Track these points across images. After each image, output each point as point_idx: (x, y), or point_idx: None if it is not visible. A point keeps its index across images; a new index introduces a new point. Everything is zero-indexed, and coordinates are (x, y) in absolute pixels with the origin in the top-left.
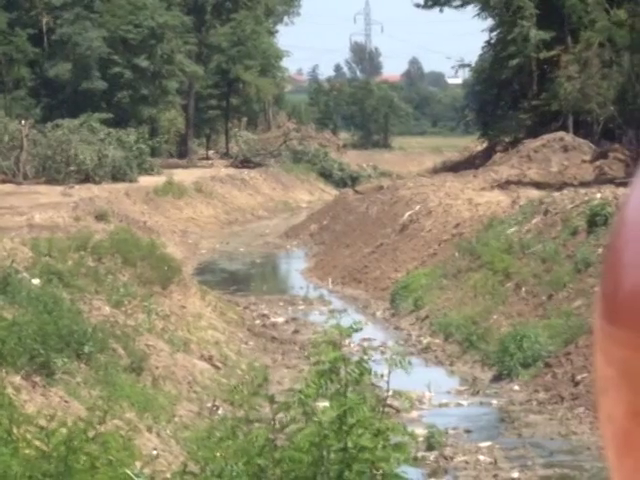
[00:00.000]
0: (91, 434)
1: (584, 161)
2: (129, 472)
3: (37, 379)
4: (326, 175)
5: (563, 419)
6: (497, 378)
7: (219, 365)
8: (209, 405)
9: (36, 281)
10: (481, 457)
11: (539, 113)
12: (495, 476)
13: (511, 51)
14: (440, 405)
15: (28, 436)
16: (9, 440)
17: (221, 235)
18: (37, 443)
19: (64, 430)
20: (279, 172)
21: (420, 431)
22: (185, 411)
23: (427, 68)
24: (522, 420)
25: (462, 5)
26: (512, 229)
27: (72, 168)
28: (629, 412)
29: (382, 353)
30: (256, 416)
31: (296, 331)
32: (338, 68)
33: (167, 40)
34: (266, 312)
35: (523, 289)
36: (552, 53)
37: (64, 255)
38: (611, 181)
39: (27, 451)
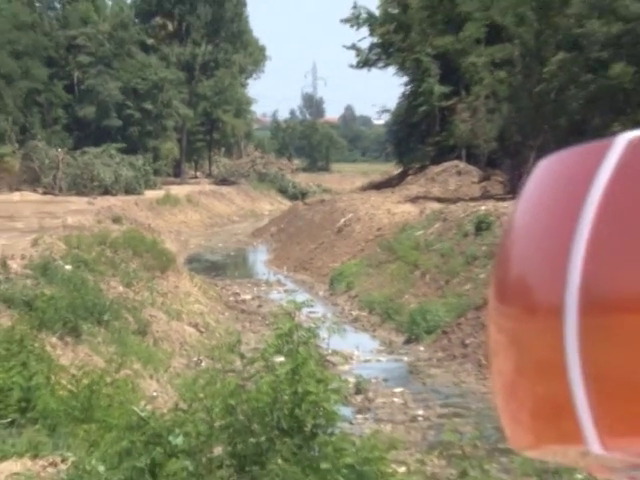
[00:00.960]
0: (108, 380)
1: (473, 182)
2: (135, 409)
3: (68, 339)
4: (283, 191)
5: (455, 372)
6: (407, 341)
7: (203, 330)
8: (195, 359)
9: (68, 267)
10: (395, 399)
11: (440, 147)
12: (405, 413)
13: (420, 101)
14: (365, 361)
15: (62, 381)
16: (48, 384)
17: (205, 234)
18: (68, 386)
19: (88, 377)
20: (248, 188)
21: (351, 379)
22: (177, 364)
23: (358, 112)
24: (425, 372)
25: (385, 66)
26: (419, 232)
27: (95, 184)
28: (514, 368)
29: (323, 322)
30: (230, 368)
31: (260, 305)
32: (292, 112)
33: (166, 90)
34: (238, 291)
35: (427, 276)
36: (450, 102)
37: (89, 248)
38: (492, 197)
39: (61, 392)
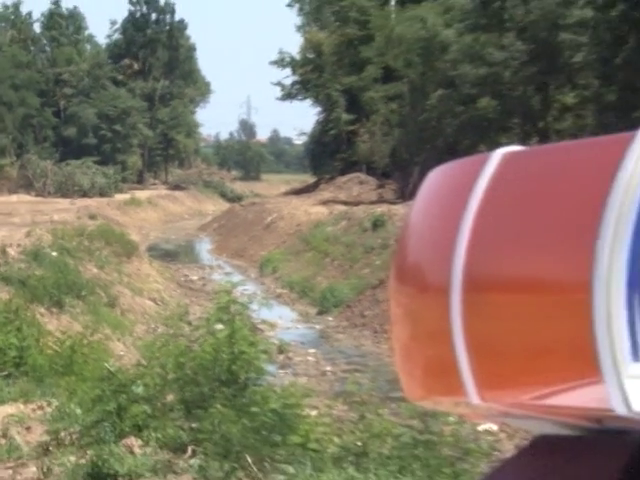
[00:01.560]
0: (85, 342)
1: (371, 189)
2: (106, 365)
3: (53, 310)
4: (223, 195)
5: (356, 337)
6: (319, 313)
7: (159, 303)
8: (153, 326)
9: (54, 253)
10: (309, 358)
11: (346, 161)
12: (317, 369)
13: (330, 126)
14: (286, 328)
15: (48, 343)
16: (37, 345)
17: (162, 229)
18: (53, 347)
19: (69, 340)
20: (196, 193)
21: (275, 342)
22: (139, 330)
23: (282, 134)
24: (333, 337)
25: (303, 99)
26: (329, 228)
27: (76, 188)
28: (409, 335)
29: (254, 298)
30: (180, 333)
31: (204, 284)
32: (231, 134)
33: (132, 115)
34: (187, 273)
35: (335, 262)
36: (353, 127)
37: (70, 238)
38: (386, 201)
39: (47, 351)
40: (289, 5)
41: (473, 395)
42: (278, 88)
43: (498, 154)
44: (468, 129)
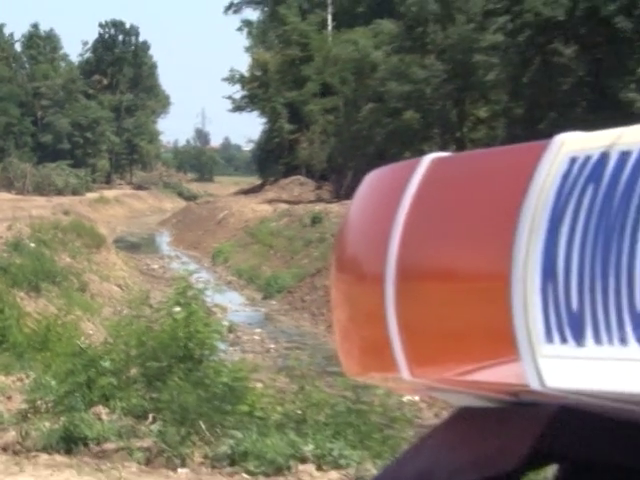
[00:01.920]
0: (59, 322)
1: (310, 190)
2: (78, 342)
3: (32, 294)
4: (180, 194)
5: (296, 319)
6: (264, 298)
7: (124, 288)
8: (119, 309)
9: (32, 244)
10: (255, 337)
11: (288, 166)
12: (262, 346)
13: (274, 134)
14: (236, 311)
15: (27, 323)
16: (17, 324)
17: (126, 224)
18: (31, 326)
19: (45, 320)
20: (157, 192)
21: (225, 323)
22: (106, 312)
23: (233, 141)
24: (276, 319)
25: (251, 111)
26: (273, 223)
27: (52, 188)
28: (348, 318)
29: (207, 284)
30: (142, 315)
31: (164, 272)
32: (188, 141)
33: (101, 124)
34: (149, 262)
35: (278, 254)
36: (295, 136)
37: (47, 231)
38: (323, 201)
39: (26, 330)
40: (239, 29)
41: (404, 371)
42: (229, 101)
43: (427, 159)
44: (395, 138)
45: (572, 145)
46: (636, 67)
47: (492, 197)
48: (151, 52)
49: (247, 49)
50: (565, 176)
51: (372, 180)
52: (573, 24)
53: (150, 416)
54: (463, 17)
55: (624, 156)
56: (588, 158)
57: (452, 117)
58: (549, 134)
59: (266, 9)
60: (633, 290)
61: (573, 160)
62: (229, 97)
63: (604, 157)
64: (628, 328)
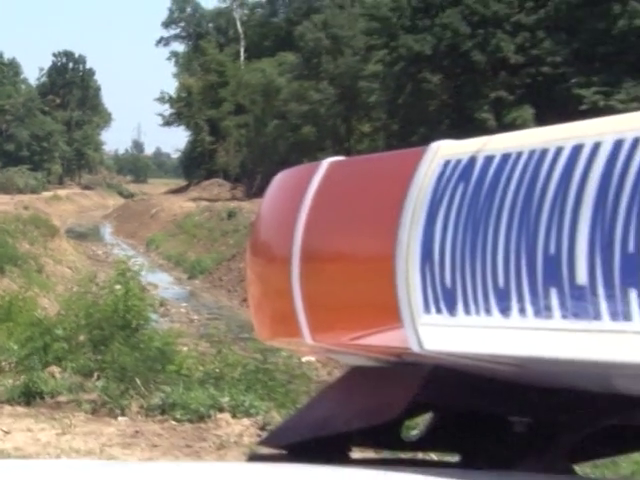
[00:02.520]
0: (20, 297)
1: (227, 190)
2: (35, 314)
3: (2, 274)
4: (120, 193)
5: (216, 295)
6: (189, 278)
7: (74, 270)
8: (69, 287)
9: None
10: (182, 310)
11: (209, 170)
12: (187, 318)
13: (197, 145)
14: (165, 288)
15: None
16: None
17: (76, 217)
18: None
19: (8, 296)
20: (101, 192)
21: (157, 298)
22: (60, 289)
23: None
24: (199, 295)
25: (178, 125)
26: (196, 217)
27: (14, 188)
28: (261, 293)
29: (142, 266)
30: (90, 291)
31: (107, 257)
32: (126, 150)
33: (55, 136)
34: (94, 249)
35: (200, 242)
36: (214, 146)
37: (10, 223)
38: (237, 199)
39: None
40: (168, 59)
41: (307, 337)
42: (160, 118)
43: (326, 162)
44: (295, 148)
45: (446, 150)
46: (488, 92)
47: (380, 193)
48: (96, 77)
49: (175, 75)
50: (440, 176)
51: (280, 180)
52: (438, 57)
53: (95, 374)
54: (350, 51)
55: (488, 160)
56: (459, 161)
57: (341, 131)
58: (420, 146)
59: (190, 43)
60: (496, 269)
61: (447, 163)
62: (160, 114)
63: (472, 161)
64: (492, 301)
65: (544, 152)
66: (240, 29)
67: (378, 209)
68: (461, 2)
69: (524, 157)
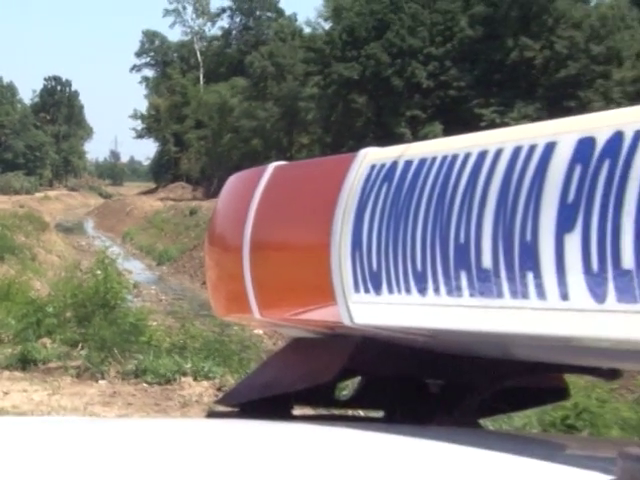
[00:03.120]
0: (17, 281)
1: (189, 192)
2: (30, 295)
3: (1, 261)
4: (101, 194)
5: (180, 279)
6: (158, 265)
7: (62, 258)
8: (58, 272)
9: None
10: (152, 291)
11: (174, 175)
12: (157, 298)
13: (165, 154)
14: (138, 273)
15: None
16: None
17: (63, 214)
18: None
19: (7, 279)
20: (85, 193)
21: (132, 281)
22: (50, 274)
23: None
24: (166, 279)
25: (149, 138)
26: (164, 214)
27: (11, 189)
28: (217, 277)
29: (119, 255)
30: (74, 276)
31: (89, 247)
32: (105, 159)
33: (45, 146)
34: (79, 240)
35: (167, 235)
36: (179, 155)
37: (8, 219)
38: (198, 199)
39: None
40: (140, 82)
41: (256, 313)
42: (134, 131)
43: (271, 166)
44: (246, 157)
45: (372, 156)
46: (405, 111)
47: (317, 192)
48: (80, 97)
49: (146, 96)
50: (367, 178)
51: (233, 181)
52: (364, 82)
53: (80, 345)
54: (291, 76)
55: (408, 164)
56: (383, 165)
57: (284, 143)
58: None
59: (158, 69)
60: (415, 255)
61: (373, 167)
62: (133, 128)
63: (394, 165)
64: (411, 282)
65: (454, 157)
66: (200, 58)
67: (315, 206)
68: (382, 36)
69: (438, 161)
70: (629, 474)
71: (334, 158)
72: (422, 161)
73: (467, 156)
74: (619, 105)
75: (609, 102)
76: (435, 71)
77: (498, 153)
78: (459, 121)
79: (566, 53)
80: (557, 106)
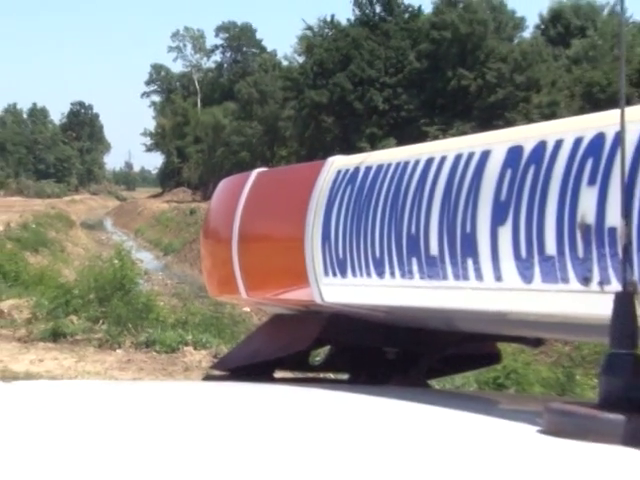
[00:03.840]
0: (49, 269)
1: (190, 195)
2: (60, 280)
3: (33, 253)
4: (117, 197)
5: (182, 267)
6: (164, 255)
7: (86, 250)
8: (83, 262)
9: (34, 225)
10: (159, 277)
11: (177, 182)
12: (163, 282)
13: (169, 165)
14: (148, 262)
15: (31, 269)
16: (25, 270)
17: (86, 214)
18: (34, 271)
19: (41, 268)
20: (104, 197)
21: (143, 269)
22: (76, 263)
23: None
24: (171, 267)
25: (157, 151)
26: (169, 214)
27: (45, 194)
28: (211, 264)
29: (132, 247)
30: (96, 265)
31: (108, 241)
32: (121, 168)
33: (72, 159)
34: (99, 235)
35: (172, 231)
36: (181, 165)
37: (42, 218)
38: (196, 201)
39: (32, 273)
40: (149, 106)
41: (243, 294)
42: (144, 146)
43: (255, 172)
44: (235, 167)
45: (338, 163)
46: (365, 129)
47: (292, 193)
48: (100, 118)
49: (154, 117)
50: (334, 181)
51: (223, 184)
52: (331, 105)
53: (101, 320)
54: (272, 101)
55: (368, 169)
56: (347, 170)
57: (267, 155)
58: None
59: (163, 95)
60: (374, 245)
61: (339, 172)
62: (144, 144)
63: (356, 170)
64: (371, 267)
65: (406, 163)
66: (197, 86)
67: (291, 204)
68: (346, 68)
69: (392, 167)
70: (554, 425)
71: (307, 165)
72: (379, 167)
73: (417, 162)
74: None
75: (530, 122)
76: (389, 96)
77: (442, 160)
78: (409, 137)
79: (495, 82)
80: (488, 125)
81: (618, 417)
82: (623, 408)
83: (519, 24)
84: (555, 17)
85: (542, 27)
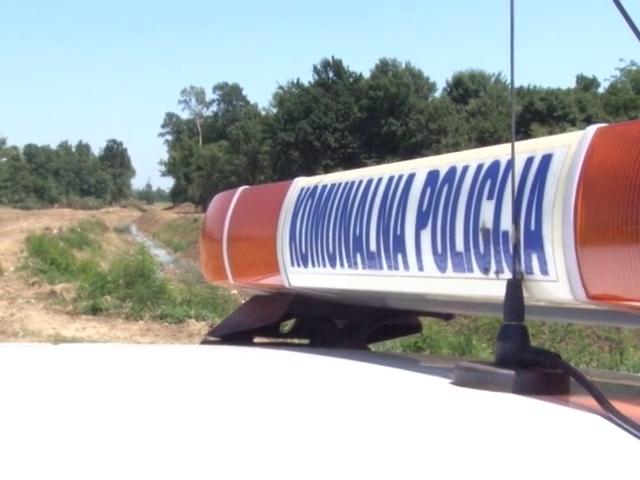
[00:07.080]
0: (90, 262)
1: (193, 208)
2: (98, 269)
3: (79, 250)
4: (140, 210)
5: (188, 260)
6: (174, 251)
7: (117, 248)
8: (115, 256)
9: (79, 229)
10: (171, 268)
11: (184, 198)
12: (173, 272)
13: (179, 186)
14: (162, 257)
15: (76, 262)
16: (73, 262)
17: (118, 221)
18: (79, 263)
19: (83, 261)
20: (131, 209)
21: (158, 262)
22: (110, 257)
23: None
24: (179, 261)
25: (169, 176)
26: (178, 222)
27: (87, 207)
28: (207, 257)
29: (150, 246)
30: (125, 258)
31: (133, 241)
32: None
33: (107, 182)
34: (127, 237)
35: (180, 233)
36: (187, 186)
37: (85, 224)
38: (198, 213)
39: (77, 264)
40: (164, 143)
41: (231, 280)
42: (160, 172)
43: (240, 189)
44: (226, 188)
45: (302, 182)
46: (322, 161)
47: (268, 204)
48: (128, 152)
49: (167, 151)
50: (299, 196)
51: (216, 198)
52: (297, 143)
53: (127, 299)
54: (254, 139)
55: (324, 187)
56: (309, 188)
57: (250, 179)
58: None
59: (174, 135)
60: (328, 243)
61: (302, 189)
62: (160, 170)
63: (315, 187)
64: (325, 259)
65: (352, 182)
66: (199, 129)
67: (267, 213)
68: (308, 116)
69: (342, 185)
70: (462, 378)
71: (279, 184)
72: (332, 185)
73: (360, 182)
74: None
75: None
76: (339, 138)
77: (379, 180)
78: (353, 167)
79: (415, 128)
80: (411, 159)
81: (510, 372)
82: (514, 366)
83: (432, 87)
84: (457, 82)
85: (448, 89)
